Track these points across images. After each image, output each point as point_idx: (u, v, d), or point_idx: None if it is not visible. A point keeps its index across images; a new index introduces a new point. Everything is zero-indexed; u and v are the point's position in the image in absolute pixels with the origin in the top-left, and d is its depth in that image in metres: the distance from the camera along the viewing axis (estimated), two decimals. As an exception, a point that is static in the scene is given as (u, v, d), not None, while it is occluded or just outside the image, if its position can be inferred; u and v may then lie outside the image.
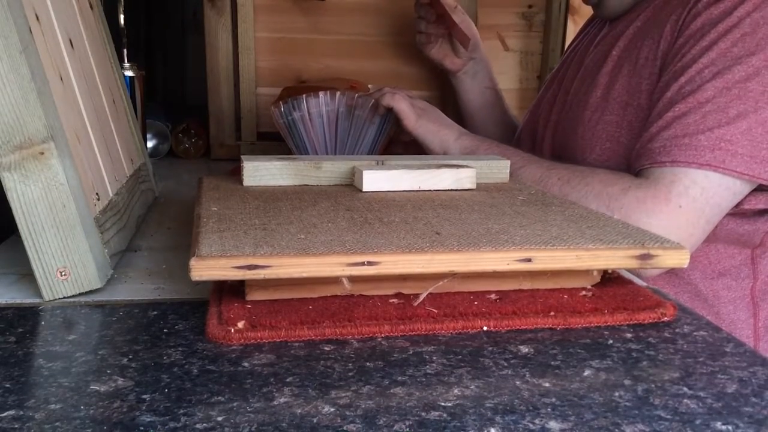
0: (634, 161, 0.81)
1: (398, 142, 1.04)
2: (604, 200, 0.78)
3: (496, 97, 1.25)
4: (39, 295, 0.51)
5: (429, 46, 1.20)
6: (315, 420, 0.35)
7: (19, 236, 0.50)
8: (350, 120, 0.97)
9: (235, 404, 0.37)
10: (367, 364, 0.42)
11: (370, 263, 0.46)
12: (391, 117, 0.97)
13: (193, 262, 0.44)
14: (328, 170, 0.72)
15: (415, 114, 0.96)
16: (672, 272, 0.85)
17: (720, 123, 0.75)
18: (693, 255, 0.84)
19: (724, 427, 0.36)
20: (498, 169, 0.76)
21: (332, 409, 0.36)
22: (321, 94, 0.96)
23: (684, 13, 0.82)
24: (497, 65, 1.45)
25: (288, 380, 0.39)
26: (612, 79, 0.88)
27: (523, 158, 0.88)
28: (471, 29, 1.18)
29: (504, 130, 1.21)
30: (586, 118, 0.88)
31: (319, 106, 0.95)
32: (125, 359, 0.42)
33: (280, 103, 0.97)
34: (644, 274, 0.71)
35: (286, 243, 0.48)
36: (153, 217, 0.79)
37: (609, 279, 0.56)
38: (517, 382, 0.40)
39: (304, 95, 0.96)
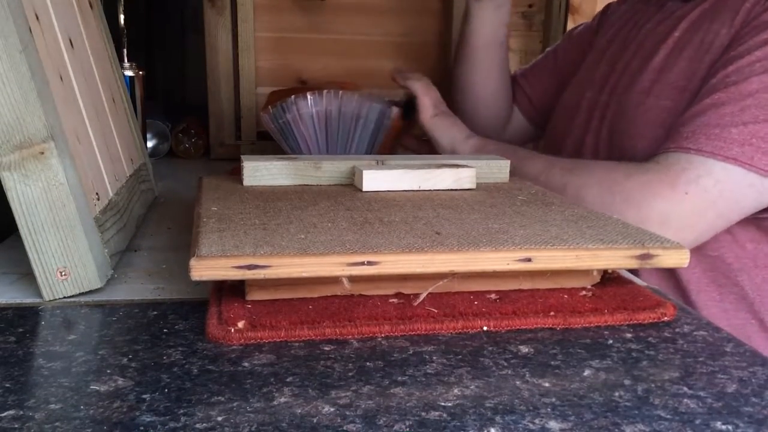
0: (663, 142, 0.79)
1: (411, 136, 1.03)
2: (606, 185, 0.76)
3: (505, 41, 1.16)
4: (39, 294, 0.51)
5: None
6: (315, 420, 0.35)
7: (19, 236, 0.50)
8: (342, 118, 0.96)
9: (235, 404, 0.37)
10: (367, 364, 0.42)
11: (370, 263, 0.46)
12: (390, 114, 0.97)
13: (193, 262, 0.44)
14: (327, 170, 0.72)
15: (434, 110, 0.95)
16: (719, 272, 0.83)
17: (757, 119, 0.72)
18: (739, 256, 0.82)
19: (724, 427, 0.36)
20: (498, 168, 0.76)
21: (332, 409, 0.36)
22: (309, 94, 0.96)
23: (758, 4, 0.78)
24: (497, 65, 1.45)
25: (288, 380, 0.39)
26: (670, 62, 0.84)
27: (527, 154, 0.87)
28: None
29: (501, 76, 1.15)
30: (637, 101, 0.85)
31: (309, 107, 0.95)
32: (125, 359, 0.42)
33: (269, 107, 0.97)
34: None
35: (286, 243, 0.48)
36: (153, 217, 0.79)
37: (609, 279, 0.56)
38: (517, 382, 0.40)
39: (292, 97, 0.96)
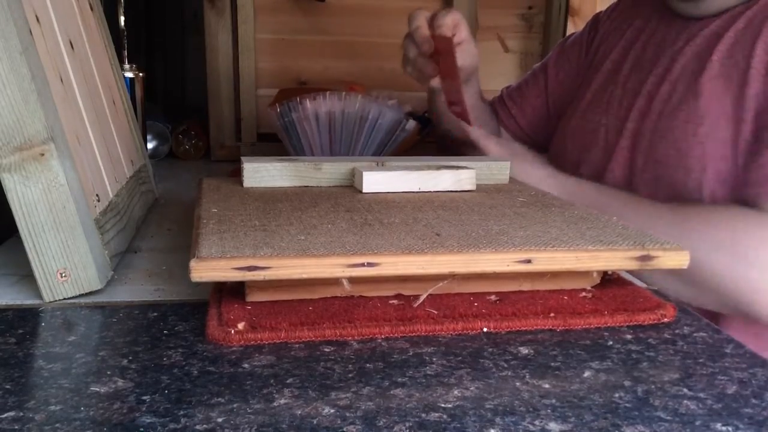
0: (725, 176, 0.74)
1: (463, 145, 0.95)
2: (731, 248, 0.67)
3: (482, 99, 1.10)
4: (39, 296, 0.51)
5: (413, 70, 0.98)
6: (315, 421, 0.35)
7: (19, 237, 0.50)
8: (349, 121, 0.96)
9: (235, 405, 0.37)
10: (367, 365, 0.42)
11: (370, 264, 0.46)
12: (406, 125, 0.95)
13: (194, 264, 0.44)
14: (328, 171, 0.72)
15: (502, 151, 0.88)
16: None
17: None
18: None
19: (724, 428, 0.36)
20: (498, 170, 0.76)
21: (332, 411, 0.36)
22: (319, 95, 0.96)
23: None
24: (497, 66, 1.46)
25: (288, 381, 0.39)
26: (717, 90, 0.77)
27: (628, 199, 0.79)
28: (472, 54, 1.00)
29: (482, 114, 1.09)
30: (687, 132, 0.78)
31: (318, 108, 0.95)
32: (125, 360, 0.42)
33: (277, 105, 0.97)
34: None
35: (286, 244, 0.48)
36: (153, 219, 0.79)
37: (609, 280, 0.56)
38: (517, 384, 0.40)
39: (300, 96, 0.96)
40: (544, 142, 1.10)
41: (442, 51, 0.91)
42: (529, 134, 1.10)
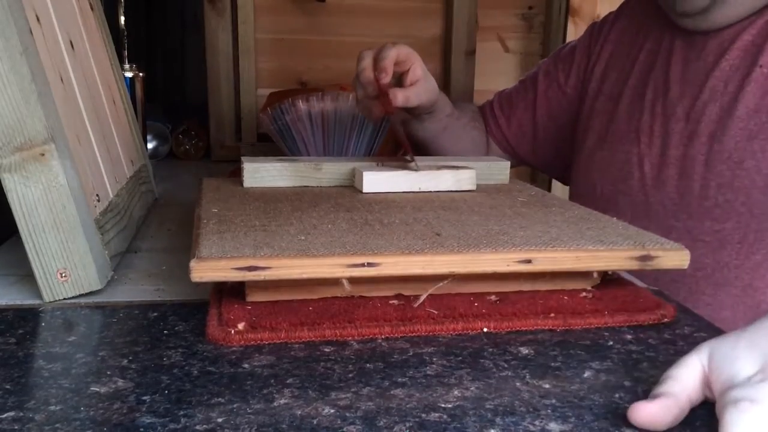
0: None
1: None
2: None
3: (454, 117, 1.02)
4: (39, 296, 0.51)
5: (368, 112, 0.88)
6: (315, 421, 0.35)
7: (20, 237, 0.50)
8: (341, 120, 0.96)
9: (235, 405, 0.37)
10: (367, 365, 0.42)
11: (370, 264, 0.46)
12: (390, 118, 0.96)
13: (194, 264, 0.44)
14: (328, 172, 0.72)
15: None
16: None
17: None
18: None
19: (724, 429, 0.36)
20: (498, 170, 0.76)
21: (332, 411, 0.36)
22: (311, 96, 0.95)
23: None
24: (497, 66, 1.46)
25: (288, 381, 0.39)
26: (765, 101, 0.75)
27: None
28: (429, 90, 0.90)
29: (473, 136, 1.06)
30: (752, 149, 0.75)
31: (309, 108, 0.95)
32: (125, 360, 0.42)
33: (268, 109, 0.97)
34: None
35: (286, 244, 0.48)
36: (153, 219, 0.79)
37: (609, 280, 0.56)
38: (518, 384, 0.40)
39: (292, 98, 0.96)
40: (525, 156, 1.07)
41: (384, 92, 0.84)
42: (513, 147, 1.07)
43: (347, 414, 0.36)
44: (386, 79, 0.81)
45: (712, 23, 0.80)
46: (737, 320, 0.75)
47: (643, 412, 0.35)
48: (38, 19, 0.54)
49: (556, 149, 1.04)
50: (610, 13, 1.00)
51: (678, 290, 0.75)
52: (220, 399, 0.37)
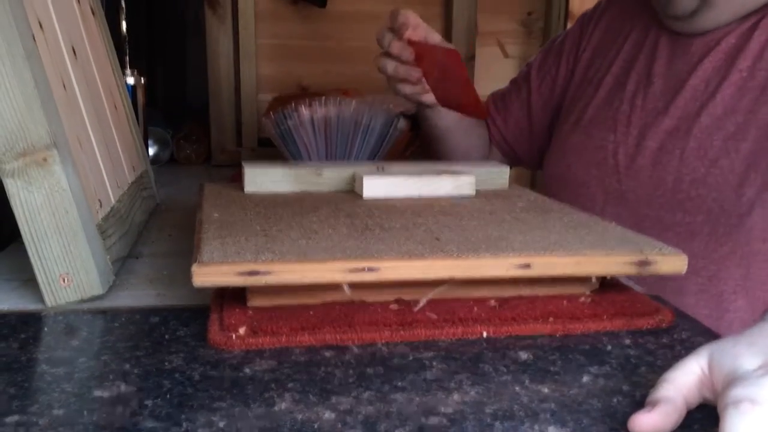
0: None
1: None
2: None
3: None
4: (41, 301, 0.51)
5: (403, 85, 0.93)
6: (316, 425, 0.36)
7: (22, 242, 0.50)
8: (344, 126, 0.96)
9: (236, 410, 0.37)
10: (368, 369, 0.42)
11: (370, 269, 0.47)
12: (397, 124, 0.96)
13: (195, 268, 0.45)
14: (328, 177, 0.72)
15: None
16: None
17: None
18: None
19: (721, 433, 0.36)
20: (497, 175, 0.77)
21: (333, 415, 0.37)
22: (315, 100, 0.96)
23: None
24: (496, 72, 1.46)
25: (289, 386, 0.40)
26: (751, 102, 0.77)
27: None
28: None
29: (479, 133, 1.08)
30: (725, 148, 0.77)
31: (312, 113, 0.95)
32: (127, 365, 0.42)
33: (271, 113, 0.97)
34: None
35: (287, 249, 0.49)
36: (154, 224, 0.79)
37: (608, 285, 0.56)
38: (517, 388, 0.40)
39: (295, 103, 0.96)
40: (524, 156, 1.08)
41: (425, 56, 0.85)
42: (512, 146, 1.07)
43: (348, 418, 0.36)
44: (420, 32, 0.84)
45: (699, 27, 0.82)
46: (699, 307, 0.77)
47: (645, 422, 0.35)
48: (41, 25, 0.54)
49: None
50: (601, 1, 1.01)
51: (647, 277, 0.76)
52: (221, 403, 0.38)
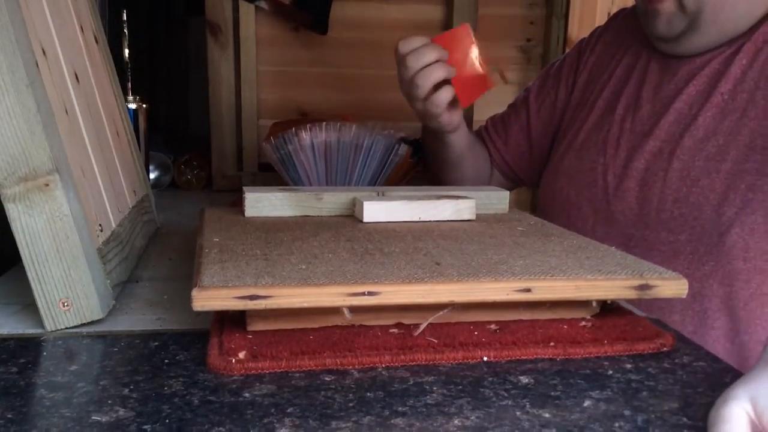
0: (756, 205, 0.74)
1: None
2: None
3: (471, 132, 1.08)
4: (41, 325, 0.51)
5: (425, 99, 0.91)
6: (315, 450, 0.35)
7: (22, 267, 0.50)
8: (344, 150, 0.97)
9: (235, 435, 0.37)
10: (368, 394, 0.42)
11: (370, 293, 0.47)
12: (399, 150, 0.96)
13: (195, 293, 0.45)
14: (329, 201, 0.72)
15: None
16: None
17: None
18: None
19: (724, 458, 0.36)
20: (497, 200, 0.77)
21: (333, 440, 0.36)
22: (314, 125, 0.96)
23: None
24: (496, 98, 1.47)
25: (289, 411, 0.40)
26: (732, 124, 0.79)
27: None
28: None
29: (485, 156, 1.09)
30: (707, 168, 0.78)
31: (312, 138, 0.96)
32: (126, 390, 0.42)
33: (271, 138, 0.98)
34: None
35: (287, 273, 0.49)
36: (154, 248, 0.79)
37: (608, 309, 0.56)
38: (518, 413, 0.40)
39: (295, 128, 0.97)
40: (525, 177, 1.09)
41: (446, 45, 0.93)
42: (513, 168, 1.09)
43: (347, 443, 0.36)
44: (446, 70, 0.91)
45: (686, 49, 0.85)
46: (686, 323, 0.79)
47: None
48: (44, 52, 0.55)
49: None
50: (598, 27, 1.04)
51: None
52: (220, 428, 0.37)
